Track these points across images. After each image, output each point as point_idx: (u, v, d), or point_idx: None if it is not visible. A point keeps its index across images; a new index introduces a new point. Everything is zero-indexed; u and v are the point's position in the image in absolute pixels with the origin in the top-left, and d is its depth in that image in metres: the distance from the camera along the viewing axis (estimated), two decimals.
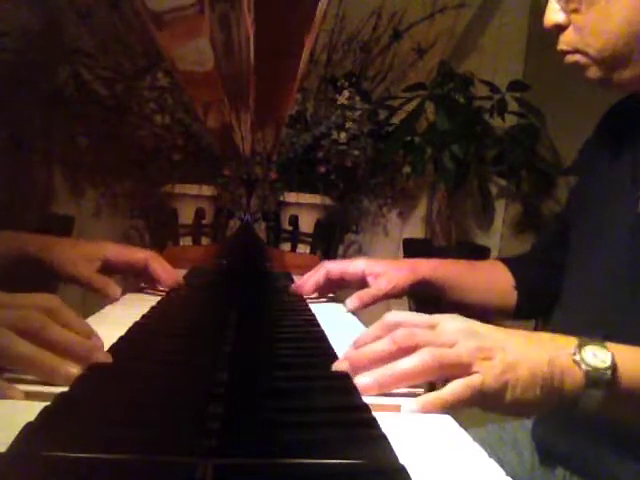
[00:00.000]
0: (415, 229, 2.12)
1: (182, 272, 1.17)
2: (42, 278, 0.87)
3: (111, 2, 1.79)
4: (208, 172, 1.73)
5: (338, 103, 1.80)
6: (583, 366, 0.56)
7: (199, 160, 1.75)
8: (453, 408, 0.51)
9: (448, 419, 0.50)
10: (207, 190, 1.75)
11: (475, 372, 0.53)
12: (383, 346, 0.55)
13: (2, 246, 0.85)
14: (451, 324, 0.56)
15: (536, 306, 1.02)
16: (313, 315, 0.84)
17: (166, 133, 1.71)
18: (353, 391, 0.51)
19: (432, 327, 0.56)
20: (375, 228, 2.11)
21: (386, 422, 0.43)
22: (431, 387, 0.55)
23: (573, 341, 0.57)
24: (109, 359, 0.53)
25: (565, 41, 0.79)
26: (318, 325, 0.77)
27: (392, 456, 0.39)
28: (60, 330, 0.51)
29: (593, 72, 0.78)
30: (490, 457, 0.41)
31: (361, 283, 0.93)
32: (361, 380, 0.53)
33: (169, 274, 0.92)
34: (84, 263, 0.86)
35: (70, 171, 1.93)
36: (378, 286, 0.89)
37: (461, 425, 0.47)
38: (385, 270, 0.91)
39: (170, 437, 0.39)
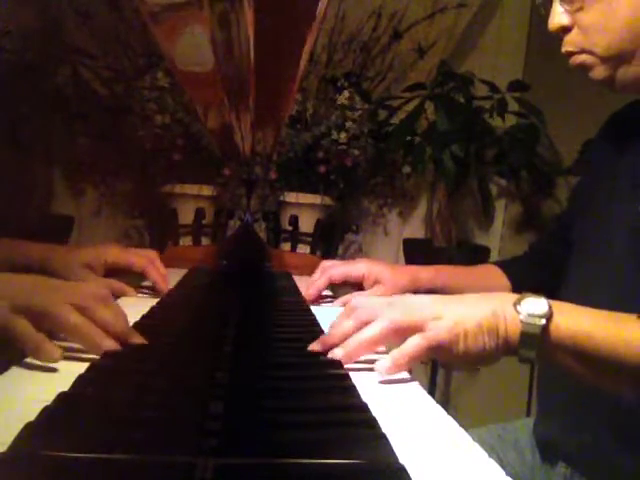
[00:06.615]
0: (415, 229, 2.12)
1: (182, 272, 1.17)
2: None
3: (111, 2, 1.79)
4: (208, 172, 1.73)
5: (338, 103, 1.79)
6: (521, 313, 0.60)
7: (199, 160, 1.75)
8: (416, 359, 0.58)
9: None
10: (207, 190, 1.74)
11: (428, 330, 0.59)
12: (349, 325, 0.62)
13: (6, 253, 0.86)
14: (405, 299, 0.64)
15: None
16: (313, 315, 0.84)
17: (166, 133, 1.71)
18: (353, 391, 0.51)
19: (389, 304, 0.63)
20: (375, 228, 2.11)
21: (383, 420, 0.43)
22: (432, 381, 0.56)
23: (518, 295, 0.62)
24: (143, 341, 0.60)
25: (571, 42, 0.78)
26: (318, 325, 0.77)
27: (392, 456, 0.38)
28: (106, 310, 0.60)
29: (598, 72, 0.77)
30: (490, 457, 0.41)
31: (362, 285, 0.95)
32: (332, 353, 0.60)
33: (165, 280, 0.95)
34: (86, 271, 0.89)
35: (70, 171, 1.92)
36: (376, 292, 0.92)
37: (461, 425, 0.47)
38: (386, 276, 0.93)
39: (170, 437, 0.39)
